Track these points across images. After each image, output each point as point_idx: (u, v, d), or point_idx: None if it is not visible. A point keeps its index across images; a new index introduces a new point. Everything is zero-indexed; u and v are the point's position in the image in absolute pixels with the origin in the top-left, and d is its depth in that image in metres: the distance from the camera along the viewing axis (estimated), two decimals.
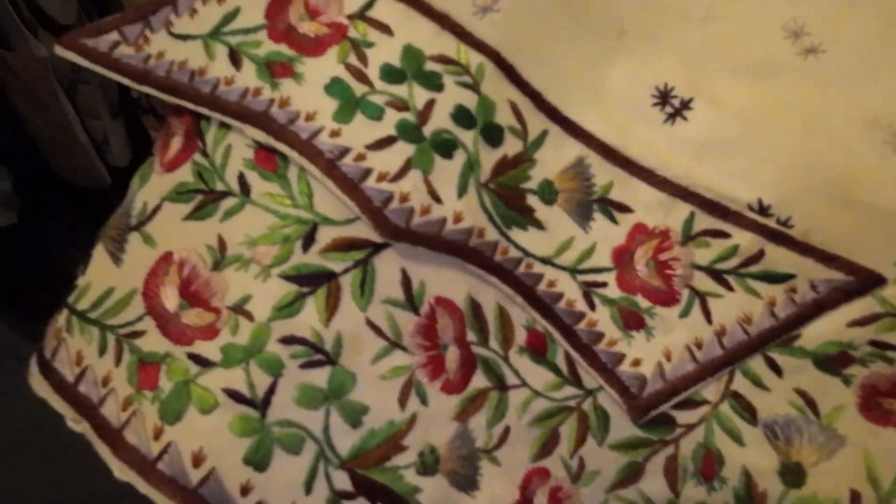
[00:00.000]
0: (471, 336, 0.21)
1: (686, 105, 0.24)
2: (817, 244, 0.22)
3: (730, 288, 0.23)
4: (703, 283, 0.23)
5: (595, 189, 0.24)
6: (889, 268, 0.21)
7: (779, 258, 0.22)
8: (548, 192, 0.23)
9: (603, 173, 0.24)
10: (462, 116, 0.21)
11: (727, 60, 0.25)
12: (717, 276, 0.23)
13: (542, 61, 0.24)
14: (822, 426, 0.22)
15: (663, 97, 0.24)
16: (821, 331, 0.22)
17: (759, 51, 0.25)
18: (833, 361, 0.22)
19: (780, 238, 0.22)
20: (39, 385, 0.20)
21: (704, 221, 0.23)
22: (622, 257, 0.23)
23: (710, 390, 0.23)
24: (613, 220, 0.24)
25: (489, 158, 0.22)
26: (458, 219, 0.21)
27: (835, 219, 0.22)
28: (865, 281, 0.21)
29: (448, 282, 0.21)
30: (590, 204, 0.24)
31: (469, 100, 0.21)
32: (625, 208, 0.24)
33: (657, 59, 0.25)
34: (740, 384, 0.22)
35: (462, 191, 0.21)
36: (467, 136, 0.21)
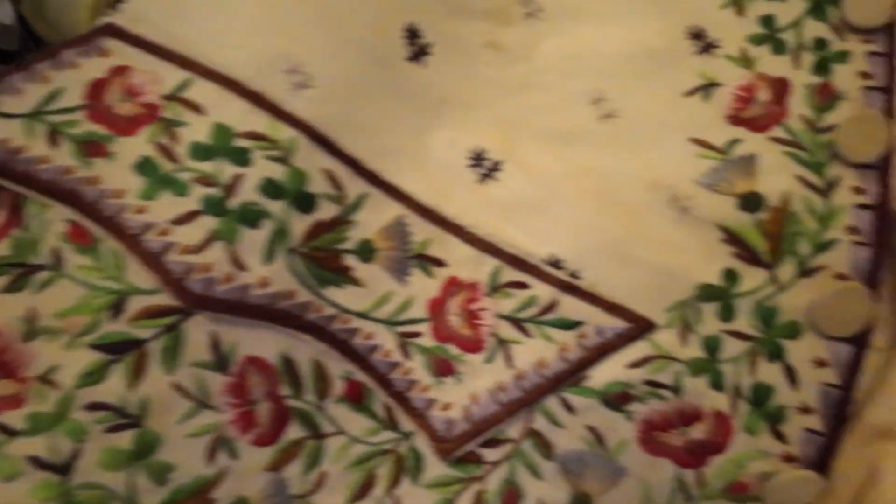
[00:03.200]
0: (284, 390, 0.22)
1: (496, 167, 0.25)
2: (603, 294, 0.24)
3: (529, 335, 0.24)
4: (507, 331, 0.24)
5: (413, 247, 0.25)
6: (660, 314, 0.23)
7: (571, 307, 0.24)
8: (366, 251, 0.24)
9: (420, 231, 0.25)
10: (270, 188, 0.22)
11: (538, 127, 0.26)
12: (517, 324, 0.24)
13: (362, 131, 0.24)
14: (608, 459, 0.23)
15: (477, 159, 0.26)
16: (606, 372, 0.23)
17: (565, 118, 0.26)
18: (616, 399, 0.23)
19: (571, 289, 0.24)
20: None
21: (508, 274, 0.24)
22: (437, 308, 0.24)
23: (514, 430, 0.24)
24: (430, 274, 0.25)
25: (300, 225, 0.23)
26: (263, 284, 0.21)
27: (617, 272, 0.24)
28: (640, 327, 0.23)
29: (260, 342, 0.22)
30: (407, 260, 0.25)
31: (278, 172, 0.22)
32: (440, 263, 0.25)
33: (474, 125, 0.26)
34: (539, 423, 0.24)
35: (268, 257, 0.21)
36: (276, 206, 0.22)
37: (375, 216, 0.25)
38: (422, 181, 0.25)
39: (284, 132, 0.23)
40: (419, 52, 0.26)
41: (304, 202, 0.23)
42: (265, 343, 0.22)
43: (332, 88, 0.24)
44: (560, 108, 0.26)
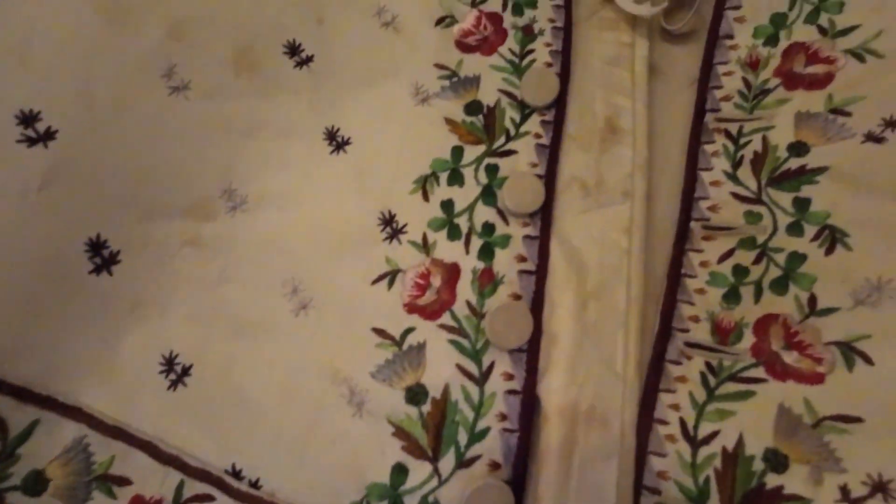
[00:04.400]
0: None
1: (187, 371, 0.26)
2: (283, 500, 0.24)
3: None
4: None
5: (95, 468, 0.24)
6: None
7: None
8: (35, 484, 0.23)
9: (103, 450, 0.24)
10: None
11: (232, 322, 0.26)
12: None
13: (33, 355, 0.24)
14: None
15: (168, 364, 0.26)
16: None
17: (259, 310, 0.27)
18: None
19: (251, 499, 0.24)
20: None
21: (193, 487, 0.24)
22: None
23: None
24: (112, 495, 0.24)
25: None
26: None
27: (296, 475, 0.24)
28: None
29: None
30: (88, 484, 0.24)
31: None
32: (124, 481, 0.24)
33: (168, 326, 0.26)
34: None
35: None
36: None
37: (49, 443, 0.24)
38: (107, 395, 0.25)
39: None
40: (105, 263, 0.26)
41: None
42: None
43: None
44: (255, 301, 0.27)
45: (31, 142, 0.25)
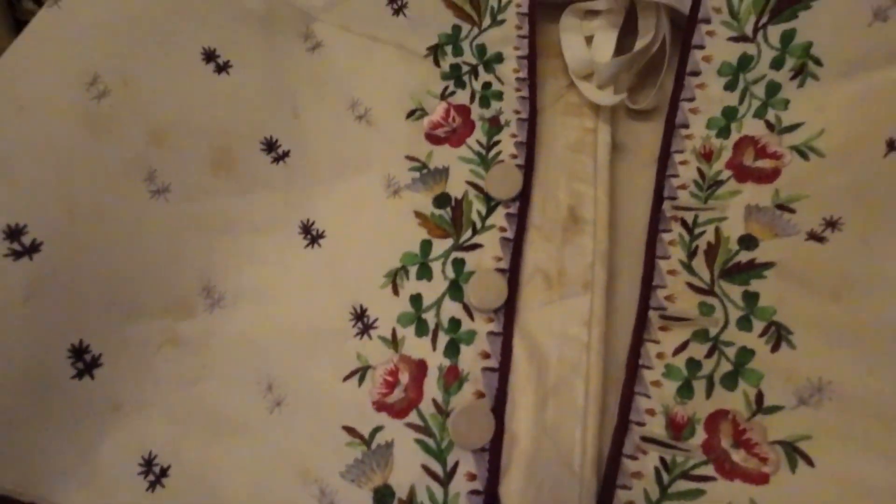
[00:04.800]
0: None
1: (165, 472, 0.27)
2: None
3: None
4: None
5: None
6: None
7: None
8: None
9: None
10: None
11: (208, 420, 0.27)
12: None
13: (17, 463, 0.25)
14: None
15: (147, 465, 0.27)
16: None
17: (235, 407, 0.28)
18: None
19: None
20: None
21: None
22: None
23: None
24: None
25: None
26: None
27: None
28: None
29: None
30: None
31: None
32: None
33: (146, 426, 0.27)
34: None
35: None
36: None
37: None
38: (88, 498, 0.26)
39: None
40: (87, 367, 0.27)
41: None
42: None
43: None
44: (231, 398, 0.28)
45: (17, 255, 0.26)
